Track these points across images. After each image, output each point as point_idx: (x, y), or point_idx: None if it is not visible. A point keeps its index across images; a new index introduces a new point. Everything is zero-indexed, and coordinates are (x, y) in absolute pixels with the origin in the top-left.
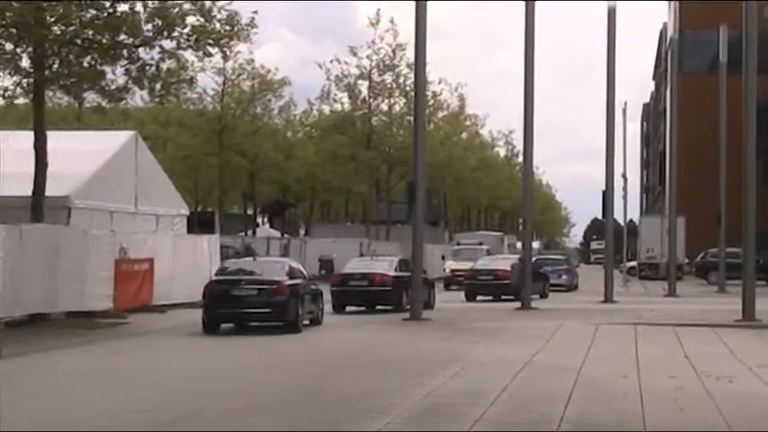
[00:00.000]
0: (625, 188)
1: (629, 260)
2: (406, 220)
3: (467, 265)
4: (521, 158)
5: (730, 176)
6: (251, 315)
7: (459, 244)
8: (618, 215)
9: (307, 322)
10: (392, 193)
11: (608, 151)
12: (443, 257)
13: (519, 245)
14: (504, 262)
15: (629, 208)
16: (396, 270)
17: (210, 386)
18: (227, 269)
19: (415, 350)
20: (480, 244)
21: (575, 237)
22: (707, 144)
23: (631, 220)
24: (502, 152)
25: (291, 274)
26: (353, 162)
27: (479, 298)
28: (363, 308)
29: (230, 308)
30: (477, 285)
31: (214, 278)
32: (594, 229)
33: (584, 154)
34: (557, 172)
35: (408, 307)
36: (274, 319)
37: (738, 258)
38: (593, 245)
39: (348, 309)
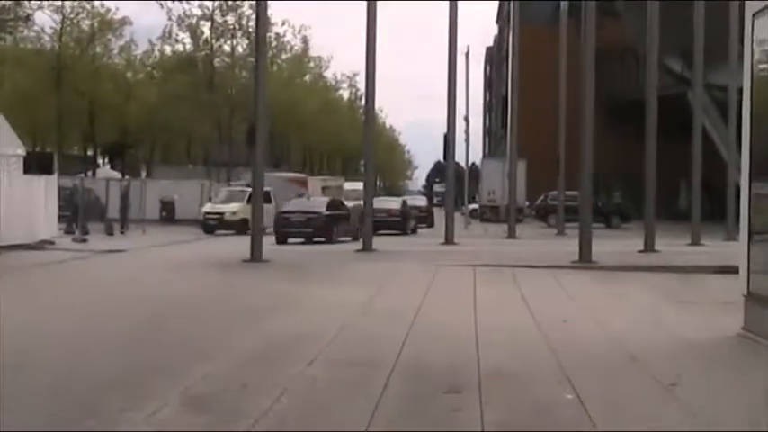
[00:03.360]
0: (467, 131)
1: (471, 203)
2: (248, 163)
3: (223, 208)
4: (363, 101)
5: (570, 122)
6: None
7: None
8: (460, 158)
9: None
10: (234, 136)
11: (449, 95)
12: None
13: (353, 186)
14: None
15: (471, 151)
16: (327, 209)
17: None
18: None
19: (253, 292)
20: (248, 186)
21: (418, 180)
22: (548, 89)
23: (474, 164)
24: (345, 95)
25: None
26: (195, 104)
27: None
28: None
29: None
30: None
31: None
32: (437, 173)
33: (428, 98)
34: (400, 115)
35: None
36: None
37: (576, 202)
38: (436, 187)
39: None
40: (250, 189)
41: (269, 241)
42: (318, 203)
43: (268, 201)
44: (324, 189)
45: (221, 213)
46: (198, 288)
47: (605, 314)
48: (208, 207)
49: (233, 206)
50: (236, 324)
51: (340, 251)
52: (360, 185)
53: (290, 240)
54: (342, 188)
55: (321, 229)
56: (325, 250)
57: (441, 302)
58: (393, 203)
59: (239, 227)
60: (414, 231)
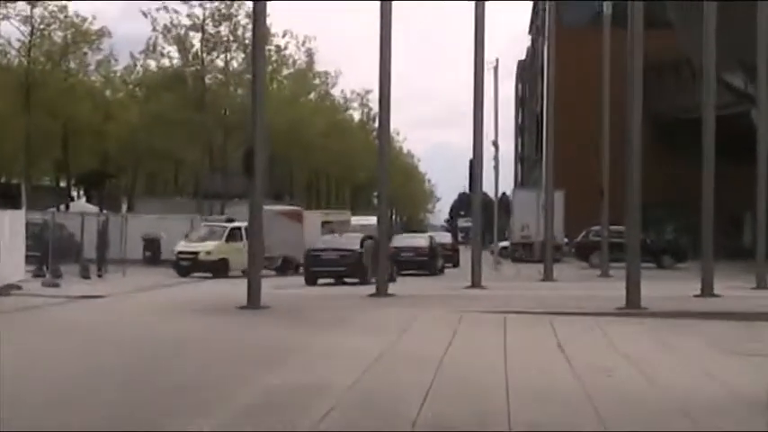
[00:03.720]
0: (496, 157)
1: (502, 240)
2: (244, 194)
3: (197, 247)
4: (377, 123)
5: (615, 145)
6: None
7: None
8: (488, 188)
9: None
10: (229, 163)
11: (475, 115)
12: None
13: (364, 221)
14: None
15: (501, 180)
16: (360, 246)
17: None
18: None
19: (253, 339)
20: (230, 220)
21: (440, 213)
22: (589, 107)
23: (504, 194)
24: (356, 115)
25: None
26: (184, 126)
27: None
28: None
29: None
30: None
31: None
32: (462, 205)
33: (451, 120)
34: (420, 139)
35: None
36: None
37: (623, 238)
38: (461, 222)
39: None
40: (232, 224)
41: (269, 284)
42: (351, 240)
43: (239, 238)
44: (324, 224)
45: (195, 253)
46: (192, 343)
47: (655, 367)
48: (181, 245)
49: (208, 245)
50: (236, 378)
51: (350, 295)
52: (372, 220)
53: (319, 281)
54: (348, 223)
55: (354, 267)
56: (334, 294)
57: (466, 355)
58: (420, 240)
59: (215, 268)
60: (441, 271)
